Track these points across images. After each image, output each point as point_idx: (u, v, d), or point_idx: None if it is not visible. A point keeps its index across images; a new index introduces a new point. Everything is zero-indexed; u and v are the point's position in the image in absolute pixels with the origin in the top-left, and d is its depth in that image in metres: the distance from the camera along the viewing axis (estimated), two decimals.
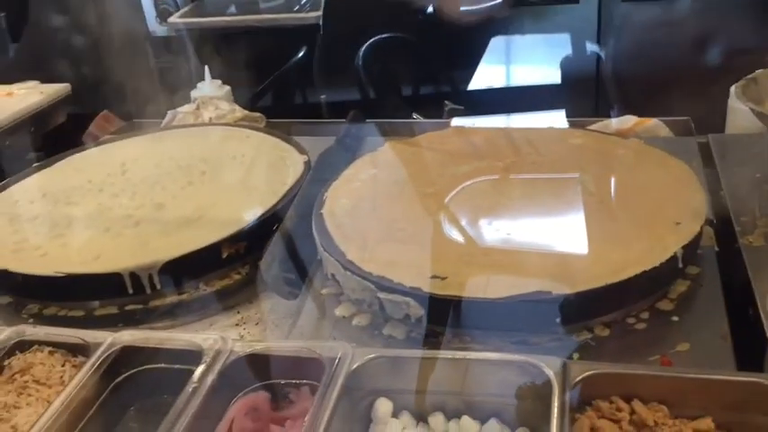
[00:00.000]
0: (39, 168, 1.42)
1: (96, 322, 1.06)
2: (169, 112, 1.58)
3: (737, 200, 1.14)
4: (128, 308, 1.08)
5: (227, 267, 1.13)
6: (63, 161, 1.44)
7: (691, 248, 0.99)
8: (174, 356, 0.88)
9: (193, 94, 1.64)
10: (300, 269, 1.13)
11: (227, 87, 1.64)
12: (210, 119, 1.57)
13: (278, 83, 1.86)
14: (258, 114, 1.59)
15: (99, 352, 0.87)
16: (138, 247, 1.12)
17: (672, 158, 1.18)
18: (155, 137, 1.52)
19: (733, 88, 1.33)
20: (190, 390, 0.81)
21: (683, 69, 1.50)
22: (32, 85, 1.75)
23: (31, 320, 1.07)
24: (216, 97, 1.59)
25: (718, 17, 1.51)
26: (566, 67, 1.80)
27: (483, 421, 0.81)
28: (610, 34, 1.77)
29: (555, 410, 0.73)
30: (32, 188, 1.36)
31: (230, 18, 2.51)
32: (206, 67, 1.64)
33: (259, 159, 1.37)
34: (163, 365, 0.89)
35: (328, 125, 1.64)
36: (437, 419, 0.82)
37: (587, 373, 0.76)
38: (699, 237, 1.01)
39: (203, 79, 1.67)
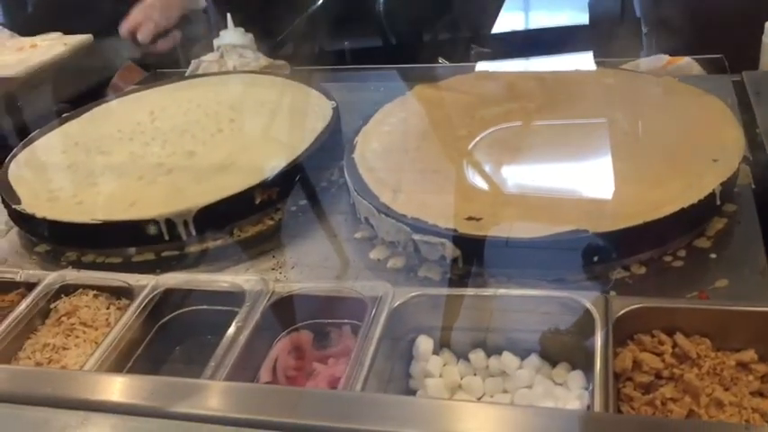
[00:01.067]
0: (67, 119, 1.43)
1: (134, 268, 1.07)
2: (193, 61, 1.58)
3: None
4: (164, 254, 1.09)
5: (260, 213, 1.14)
6: (90, 111, 1.45)
7: (728, 186, 0.99)
8: (217, 298, 0.90)
9: (216, 42, 1.63)
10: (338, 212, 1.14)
11: (250, 35, 1.62)
12: (234, 67, 1.56)
13: (299, 31, 1.83)
14: (282, 62, 1.58)
15: (143, 295, 0.89)
16: (172, 195, 1.13)
17: (707, 95, 1.16)
18: (181, 85, 1.52)
19: (767, 24, 1.30)
20: (234, 329, 0.82)
21: (715, 5, 1.46)
22: (55, 36, 1.74)
23: (70, 268, 1.09)
24: (240, 45, 1.57)
25: None
26: (593, 6, 1.77)
27: (523, 357, 0.82)
28: None
29: (598, 344, 0.73)
30: (63, 138, 1.37)
31: None
32: (228, 15, 1.62)
33: (287, 106, 1.37)
34: (206, 307, 0.91)
35: (352, 72, 1.63)
36: (478, 356, 0.83)
37: (629, 308, 0.76)
38: (736, 174, 1.00)
39: (225, 28, 1.65)
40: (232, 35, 1.60)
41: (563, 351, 0.81)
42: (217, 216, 1.10)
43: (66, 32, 1.76)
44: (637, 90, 1.23)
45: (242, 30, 1.62)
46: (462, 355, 0.85)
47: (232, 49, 1.58)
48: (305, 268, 1.07)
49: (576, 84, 1.27)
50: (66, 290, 0.93)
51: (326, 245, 1.10)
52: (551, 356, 0.81)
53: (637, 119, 1.14)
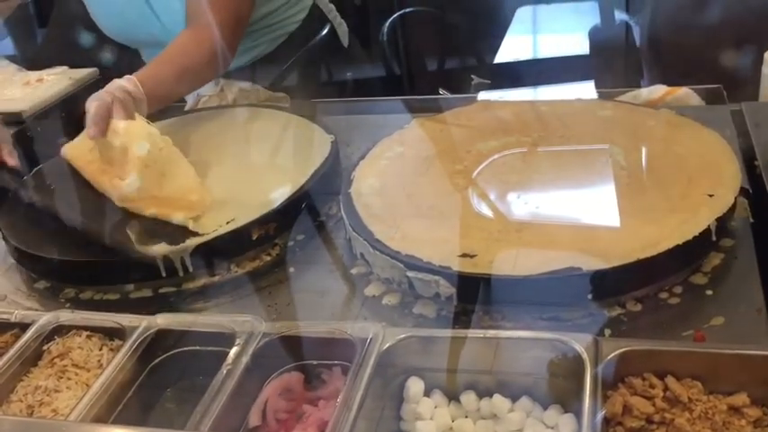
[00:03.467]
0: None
1: (131, 305, 1.08)
2: (191, 95, 1.59)
3: None
4: (162, 290, 1.10)
5: (257, 249, 1.14)
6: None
7: (724, 221, 0.98)
8: (208, 339, 0.90)
9: None
10: (333, 248, 1.14)
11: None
12: (234, 100, 1.57)
13: (302, 61, 1.85)
14: (282, 94, 1.59)
15: (135, 335, 0.89)
16: (172, 230, 1.13)
17: (704, 128, 1.16)
18: (183, 119, 1.52)
19: (766, 55, 1.29)
20: (224, 371, 0.82)
21: (715, 37, 1.46)
22: (61, 70, 1.76)
23: (68, 305, 1.10)
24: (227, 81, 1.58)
25: None
26: (594, 36, 1.77)
27: (515, 399, 0.81)
28: (640, 2, 1.73)
29: (587, 388, 0.72)
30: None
31: None
32: None
33: (286, 140, 1.37)
34: (197, 348, 0.91)
35: (352, 103, 1.64)
36: (469, 398, 0.82)
37: (619, 351, 0.76)
38: (732, 208, 1.00)
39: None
40: None
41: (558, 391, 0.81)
42: (214, 252, 1.11)
43: (74, 65, 1.79)
44: (634, 123, 1.22)
45: None
46: (453, 397, 0.84)
47: (233, 82, 1.60)
48: (300, 305, 1.07)
49: (574, 116, 1.27)
50: (60, 331, 0.94)
51: (323, 281, 1.10)
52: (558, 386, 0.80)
53: (634, 153, 1.13)
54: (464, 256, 0.96)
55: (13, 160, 1.36)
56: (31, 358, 0.91)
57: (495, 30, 1.99)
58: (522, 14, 2.09)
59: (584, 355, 0.76)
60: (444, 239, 1.00)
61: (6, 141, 1.39)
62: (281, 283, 1.11)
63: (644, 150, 1.15)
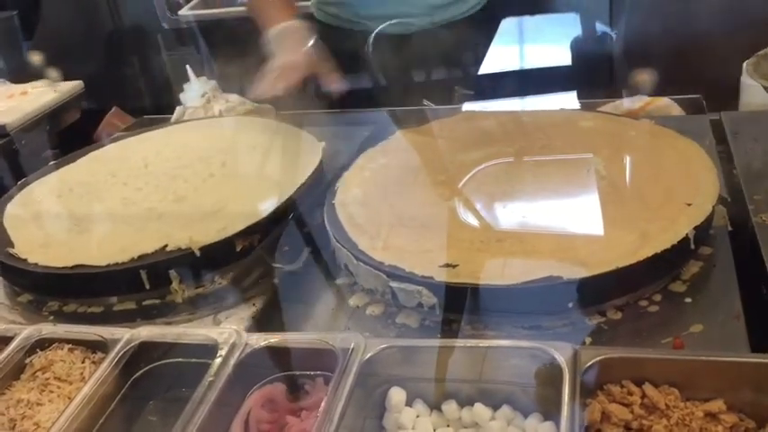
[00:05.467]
0: (59, 165, 1.44)
1: (115, 318, 1.08)
2: (178, 107, 1.59)
3: (751, 178, 1.13)
4: (145, 303, 1.09)
5: (242, 259, 1.14)
6: (83, 157, 1.46)
7: (703, 229, 0.99)
8: (191, 351, 0.90)
9: (181, 96, 1.62)
10: (318, 259, 1.14)
11: (213, 81, 1.63)
12: (220, 112, 1.58)
13: None
14: (268, 106, 1.59)
15: (117, 348, 0.89)
16: (158, 242, 1.13)
17: (683, 138, 1.17)
18: (171, 130, 1.53)
19: (745, 65, 1.31)
20: (207, 383, 0.82)
21: (696, 47, 1.48)
22: (46, 83, 1.76)
23: (51, 318, 1.09)
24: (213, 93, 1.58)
25: None
26: (576, 48, 1.79)
27: (496, 408, 0.82)
28: (621, 14, 1.75)
29: (566, 396, 0.73)
30: (55, 184, 1.38)
31: (240, 8, 2.51)
32: (188, 67, 1.62)
33: (276, 149, 1.38)
34: (180, 360, 0.91)
35: (338, 115, 1.64)
36: (450, 407, 0.83)
37: (597, 358, 0.76)
38: (711, 217, 1.01)
39: (213, 71, 1.67)
40: (195, 86, 1.61)
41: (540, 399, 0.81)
42: (198, 264, 1.11)
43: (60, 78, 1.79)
44: (614, 134, 1.24)
45: (204, 78, 1.63)
46: (435, 407, 0.85)
47: (219, 94, 1.60)
48: (285, 316, 1.07)
49: (556, 126, 1.28)
50: (43, 344, 0.94)
51: (307, 292, 1.10)
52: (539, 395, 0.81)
53: (613, 163, 1.14)
54: (446, 266, 0.97)
55: None
56: (14, 372, 0.91)
57: (480, 44, 2.00)
58: (507, 26, 2.10)
59: (563, 364, 0.76)
60: (427, 250, 1.01)
61: None
62: (265, 294, 1.12)
63: (624, 160, 1.16)
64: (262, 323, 1.05)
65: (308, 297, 1.09)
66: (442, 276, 0.95)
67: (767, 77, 1.18)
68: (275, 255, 1.16)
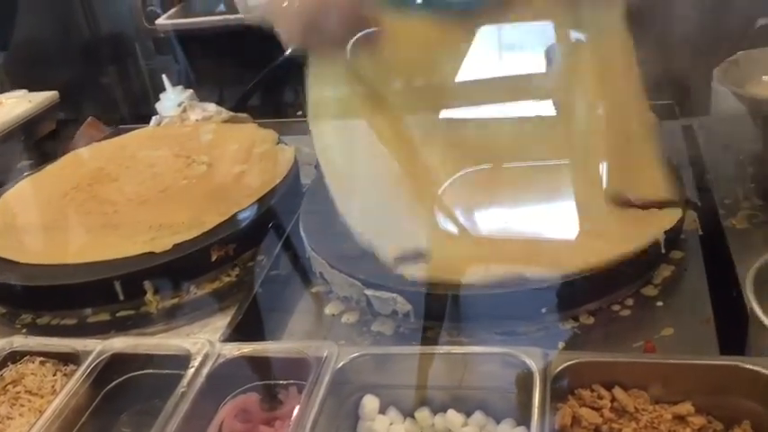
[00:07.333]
0: (32, 175, 1.43)
1: (89, 330, 1.07)
2: (154, 117, 1.59)
3: (721, 183, 1.15)
4: (119, 314, 1.09)
5: (217, 270, 1.14)
6: (55, 166, 1.45)
7: (674, 233, 1.00)
8: (164, 362, 0.89)
9: (157, 106, 1.62)
10: (293, 267, 1.14)
11: (190, 90, 1.63)
12: (197, 121, 1.57)
13: (266, 81, 1.85)
14: (244, 115, 1.59)
15: (89, 360, 0.88)
16: (133, 251, 1.12)
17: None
18: (148, 134, 1.52)
19: (715, 71, 1.32)
20: (179, 394, 0.82)
21: (666, 52, 1.49)
22: (21, 93, 1.75)
23: (24, 331, 1.08)
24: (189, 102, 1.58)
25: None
26: (551, 55, 1.79)
27: (469, 414, 0.82)
28: None
29: (536, 400, 0.74)
30: (29, 196, 1.37)
31: (218, 18, 2.51)
32: (163, 76, 1.62)
33: (252, 157, 1.38)
34: (153, 371, 0.90)
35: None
36: (423, 414, 0.83)
37: (568, 363, 0.77)
38: (681, 221, 1.02)
39: (192, 81, 1.67)
40: (172, 96, 1.61)
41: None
42: (173, 274, 1.10)
43: (34, 87, 1.78)
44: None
45: (180, 87, 1.63)
46: (408, 414, 0.85)
47: (196, 103, 1.60)
48: (260, 325, 1.07)
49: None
50: (14, 357, 0.93)
51: (284, 300, 1.10)
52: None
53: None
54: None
55: None
56: None
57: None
58: (485, 32, 2.10)
59: (534, 369, 0.77)
60: None
61: None
62: (241, 304, 1.11)
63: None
64: (238, 333, 1.04)
65: (284, 305, 1.09)
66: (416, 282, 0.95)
67: (737, 83, 1.19)
68: (251, 263, 1.16)
